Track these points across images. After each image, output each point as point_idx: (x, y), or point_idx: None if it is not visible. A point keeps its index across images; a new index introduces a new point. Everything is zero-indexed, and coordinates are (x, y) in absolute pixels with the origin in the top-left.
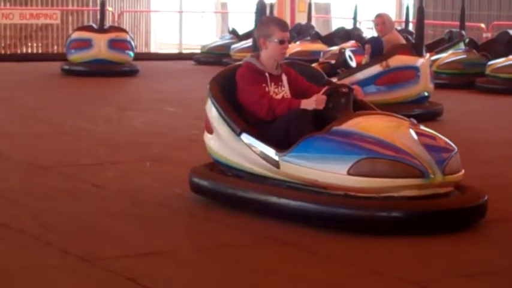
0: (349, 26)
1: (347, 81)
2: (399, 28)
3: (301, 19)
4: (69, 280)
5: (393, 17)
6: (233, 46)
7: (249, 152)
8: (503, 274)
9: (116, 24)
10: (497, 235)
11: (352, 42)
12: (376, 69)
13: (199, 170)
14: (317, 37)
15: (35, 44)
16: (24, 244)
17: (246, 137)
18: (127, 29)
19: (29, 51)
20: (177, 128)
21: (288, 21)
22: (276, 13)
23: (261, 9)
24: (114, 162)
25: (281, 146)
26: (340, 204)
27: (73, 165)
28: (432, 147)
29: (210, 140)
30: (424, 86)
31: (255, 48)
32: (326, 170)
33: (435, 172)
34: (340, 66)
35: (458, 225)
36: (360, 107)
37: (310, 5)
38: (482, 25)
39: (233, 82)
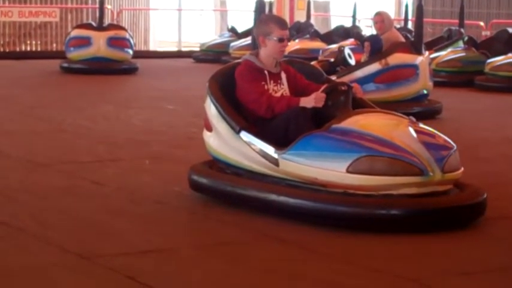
0: (348, 24)
1: (346, 79)
2: (398, 26)
3: (300, 17)
4: (68, 278)
5: (392, 15)
6: (232, 44)
7: (248, 149)
8: (502, 272)
9: (115, 22)
10: (497, 233)
11: (351, 40)
12: (375, 67)
13: (198, 167)
14: (316, 35)
15: (34, 42)
16: (23, 242)
17: (245, 135)
18: (126, 27)
19: (28, 49)
20: (176, 125)
21: (287, 19)
22: (275, 11)
23: (260, 7)
24: (113, 160)
25: (280, 143)
26: (339, 202)
27: (72, 162)
28: (431, 145)
29: (209, 137)
30: (423, 84)
31: (254, 46)
32: (325, 167)
33: (434, 170)
34: (339, 64)
35: (457, 223)
36: (359, 105)
37: (309, 3)
38: (481, 23)
39: (232, 80)
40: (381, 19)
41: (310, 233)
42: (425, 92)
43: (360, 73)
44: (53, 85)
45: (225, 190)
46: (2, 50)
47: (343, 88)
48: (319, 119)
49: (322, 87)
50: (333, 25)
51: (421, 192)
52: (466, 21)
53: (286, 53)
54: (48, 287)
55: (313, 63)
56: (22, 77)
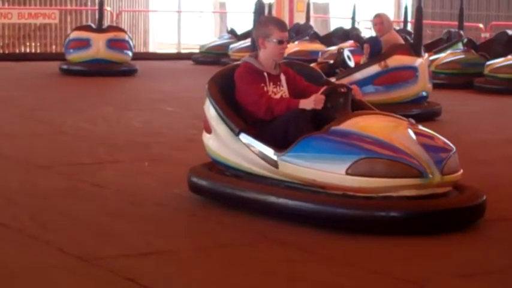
0: (347, 26)
1: (345, 81)
2: (398, 28)
3: (300, 19)
4: (68, 280)
5: (392, 17)
6: (231, 46)
7: (247, 151)
8: (502, 274)
9: (115, 24)
10: (496, 235)
11: (351, 42)
12: (374, 69)
13: (198, 169)
14: (315, 37)
15: (33, 44)
16: (23, 244)
17: (244, 137)
18: (125, 29)
19: (28, 50)
20: (176, 127)
21: (287, 21)
22: (274, 13)
23: (259, 9)
24: (113, 162)
25: (279, 145)
26: (338, 204)
27: (72, 164)
28: (431, 147)
29: (208, 139)
30: (422, 86)
31: (253, 48)
32: (324, 169)
33: (434, 172)
34: (339, 66)
35: (457, 225)
36: (358, 107)
37: (308, 4)
38: (481, 25)
39: (231, 82)
40: (380, 21)
41: (310, 235)
42: (424, 94)
43: (359, 75)
44: (53, 87)
45: (224, 192)
46: (1, 51)
47: (342, 90)
48: (318, 121)
49: (322, 89)
50: (333, 27)
51: (421, 194)
52: (466, 23)
53: (285, 55)
54: None
55: (312, 65)
56: (22, 79)
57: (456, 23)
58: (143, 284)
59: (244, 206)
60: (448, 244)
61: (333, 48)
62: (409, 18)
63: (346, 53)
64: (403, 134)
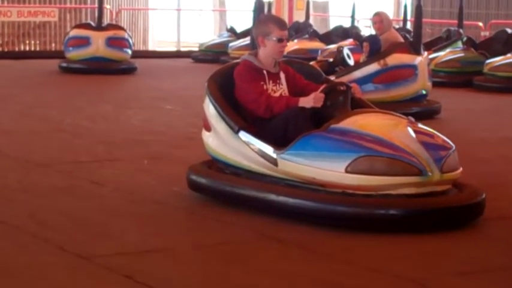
0: (347, 24)
1: (345, 79)
2: (397, 26)
3: (299, 17)
4: (66, 277)
5: (391, 16)
6: (231, 44)
7: (247, 149)
8: (501, 272)
9: (114, 22)
10: (495, 233)
11: (350, 40)
12: (374, 67)
13: (197, 167)
14: (315, 35)
15: (32, 42)
16: (21, 241)
17: (244, 135)
18: (125, 27)
19: (27, 48)
20: (175, 125)
21: (286, 20)
22: (274, 11)
23: (259, 8)
24: (112, 160)
25: (279, 143)
26: (338, 202)
27: (71, 162)
28: (430, 145)
29: (208, 137)
30: (422, 84)
31: (253, 46)
32: (324, 167)
33: (433, 170)
34: (338, 64)
35: (456, 223)
36: (358, 105)
37: (308, 3)
38: (480, 24)
39: (231, 80)
40: (379, 19)
41: (309, 233)
42: (424, 92)
43: (358, 73)
44: (52, 85)
45: (224, 190)
46: (1, 49)
47: (342, 88)
48: (318, 119)
49: (321, 88)
50: (332, 25)
51: (420, 192)
52: (465, 22)
53: (285, 53)
54: (46, 286)
55: (312, 63)
56: (21, 77)
57: (456, 21)
58: (142, 282)
59: (243, 204)
60: (448, 242)
61: (333, 46)
62: (409, 17)
63: (346, 51)
64: (402, 132)
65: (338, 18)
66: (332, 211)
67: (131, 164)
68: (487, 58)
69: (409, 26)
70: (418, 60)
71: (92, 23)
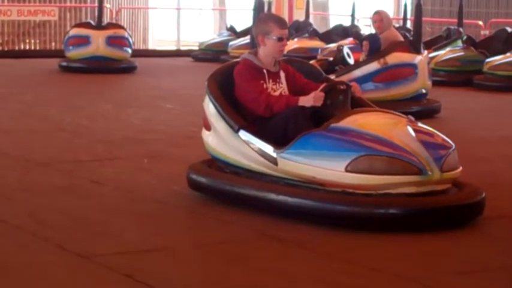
0: (347, 23)
1: (345, 78)
2: (397, 25)
3: (299, 16)
4: (66, 276)
5: (391, 14)
6: (231, 43)
7: (247, 148)
8: (501, 271)
9: (114, 21)
10: (495, 232)
11: (350, 39)
12: (374, 66)
13: (197, 166)
14: (315, 34)
15: (32, 41)
16: (21, 240)
17: (244, 134)
18: (125, 26)
19: (27, 47)
20: (175, 124)
21: (286, 18)
22: (274, 10)
23: (259, 6)
24: (112, 159)
25: (279, 142)
26: (337, 201)
27: (71, 161)
28: (430, 144)
29: (208, 136)
30: (422, 83)
31: (253, 45)
32: (324, 167)
33: (433, 169)
34: (338, 63)
35: (456, 223)
36: (358, 104)
37: (308, 2)
38: (480, 22)
39: (231, 79)
40: (379, 18)
41: (309, 232)
42: (424, 91)
43: (358, 72)
44: (52, 84)
45: (223, 189)
46: (1, 48)
47: (342, 87)
48: (318, 118)
49: (321, 86)
50: (332, 24)
51: (420, 191)
52: (465, 21)
53: (285, 52)
54: (46, 285)
55: (312, 62)
56: (21, 76)
57: (455, 20)
58: (142, 281)
59: (243, 203)
60: (448, 241)
61: (333, 45)
62: (409, 16)
63: (346, 50)
64: (402, 131)
65: (338, 17)
66: (332, 210)
67: (131, 163)
68: (487, 57)
69: (409, 24)
70: (418, 59)
71: (92, 22)
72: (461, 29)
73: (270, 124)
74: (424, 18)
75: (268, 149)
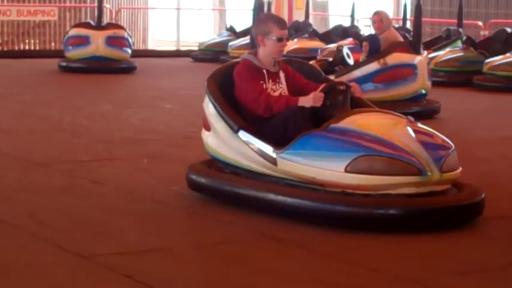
0: (346, 23)
1: (345, 78)
2: (397, 26)
3: (299, 16)
4: (66, 276)
5: (391, 15)
6: (231, 43)
7: (246, 149)
8: (500, 272)
9: (114, 21)
10: (495, 233)
11: (350, 39)
12: (373, 66)
13: (196, 167)
14: (315, 34)
15: (32, 41)
16: (21, 241)
17: (243, 134)
18: (125, 26)
19: (27, 48)
20: (175, 125)
21: (286, 19)
22: (273, 10)
23: (258, 7)
24: (111, 159)
25: (278, 143)
26: (337, 202)
27: (71, 161)
28: (429, 144)
29: (207, 137)
30: (421, 83)
31: (252, 46)
32: (323, 167)
33: (432, 170)
34: (338, 63)
35: (455, 223)
36: (358, 105)
37: (307, 2)
38: (480, 23)
39: (231, 79)
40: (379, 18)
41: (309, 233)
42: (423, 91)
43: (358, 73)
44: (52, 84)
45: (223, 189)
46: (0, 48)
47: (341, 88)
48: (317, 119)
49: (321, 87)
50: (332, 24)
51: (419, 192)
52: (465, 21)
53: (284, 52)
54: (46, 285)
55: (311, 62)
56: (20, 76)
57: (455, 20)
58: (141, 281)
59: (243, 204)
60: (447, 242)
61: (332, 45)
62: (408, 16)
63: (346, 50)
64: (402, 131)
65: (338, 18)
66: (331, 211)
67: (131, 163)
68: (487, 57)
69: (408, 25)
70: (417, 59)
71: (92, 22)
72: (460, 30)
73: (269, 124)
74: (423, 19)
75: (268, 149)
